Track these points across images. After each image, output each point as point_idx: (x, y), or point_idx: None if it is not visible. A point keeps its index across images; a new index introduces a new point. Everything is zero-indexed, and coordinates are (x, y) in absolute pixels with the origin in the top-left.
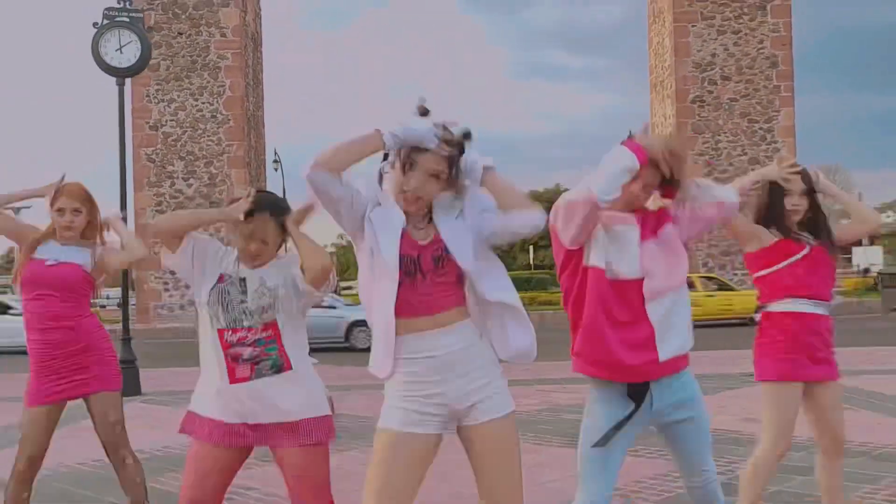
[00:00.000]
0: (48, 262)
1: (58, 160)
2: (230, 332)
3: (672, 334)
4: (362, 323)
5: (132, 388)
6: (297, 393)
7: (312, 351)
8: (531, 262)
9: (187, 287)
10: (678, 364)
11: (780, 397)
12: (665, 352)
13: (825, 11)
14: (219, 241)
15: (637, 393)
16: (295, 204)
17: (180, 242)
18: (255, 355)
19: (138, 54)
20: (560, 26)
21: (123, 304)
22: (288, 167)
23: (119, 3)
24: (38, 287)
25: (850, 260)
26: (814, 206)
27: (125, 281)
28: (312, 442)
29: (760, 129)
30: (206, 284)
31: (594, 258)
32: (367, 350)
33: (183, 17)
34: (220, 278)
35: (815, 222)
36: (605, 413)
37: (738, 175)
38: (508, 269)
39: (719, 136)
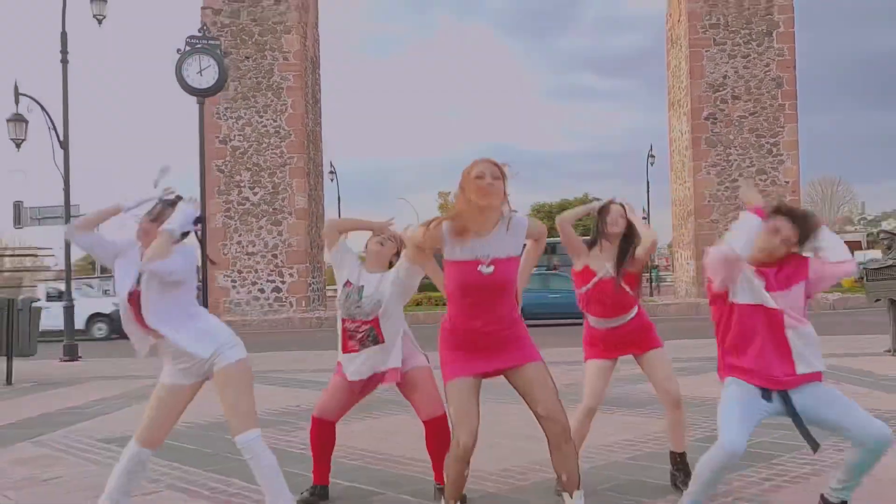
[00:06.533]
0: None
1: (139, 172)
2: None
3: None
4: None
5: None
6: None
7: None
8: None
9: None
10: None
11: None
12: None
13: (834, 39)
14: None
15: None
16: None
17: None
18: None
19: (216, 77)
20: (590, 52)
21: (203, 295)
22: (342, 176)
23: (199, 32)
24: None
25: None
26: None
27: (205, 276)
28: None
29: (767, 143)
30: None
31: (740, 296)
32: None
33: (249, 42)
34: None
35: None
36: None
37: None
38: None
39: (730, 149)
